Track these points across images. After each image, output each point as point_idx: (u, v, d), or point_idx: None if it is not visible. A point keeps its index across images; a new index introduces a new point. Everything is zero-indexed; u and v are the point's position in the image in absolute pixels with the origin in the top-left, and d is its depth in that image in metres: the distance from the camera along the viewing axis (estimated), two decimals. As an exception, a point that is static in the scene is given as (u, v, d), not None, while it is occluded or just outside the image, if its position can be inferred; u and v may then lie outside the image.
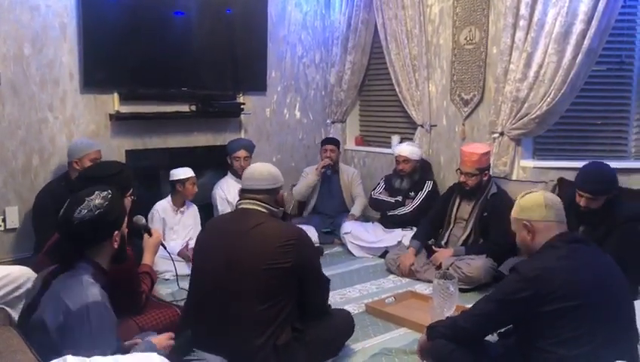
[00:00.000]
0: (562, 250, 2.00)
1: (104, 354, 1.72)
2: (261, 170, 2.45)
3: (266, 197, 2.40)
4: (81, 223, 1.82)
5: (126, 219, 2.04)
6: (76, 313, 1.71)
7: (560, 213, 2.10)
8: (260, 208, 2.37)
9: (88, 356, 1.49)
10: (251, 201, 2.39)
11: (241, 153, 4.45)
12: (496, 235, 3.67)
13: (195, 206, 4.23)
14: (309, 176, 4.88)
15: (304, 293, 2.36)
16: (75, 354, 1.53)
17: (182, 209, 4.10)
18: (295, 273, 2.27)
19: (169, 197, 4.10)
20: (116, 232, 1.92)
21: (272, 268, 2.23)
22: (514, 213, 2.17)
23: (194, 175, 4.08)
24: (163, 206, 4.06)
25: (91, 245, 1.89)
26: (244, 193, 2.44)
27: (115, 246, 1.93)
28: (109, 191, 1.95)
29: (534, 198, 2.11)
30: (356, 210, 4.85)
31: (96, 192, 1.91)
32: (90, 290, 1.76)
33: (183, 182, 4.03)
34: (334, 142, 4.97)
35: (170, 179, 4.07)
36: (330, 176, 4.90)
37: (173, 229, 4.05)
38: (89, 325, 1.71)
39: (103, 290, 1.82)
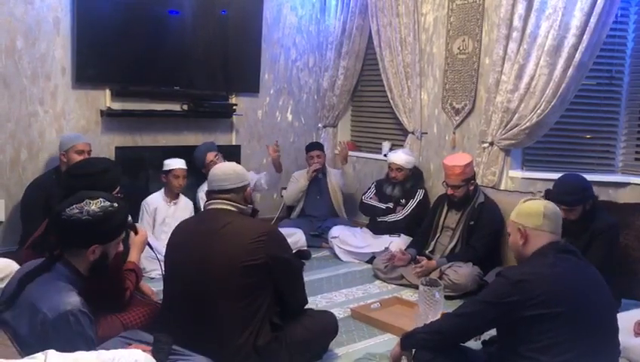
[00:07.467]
0: (550, 258, 2.03)
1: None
2: (225, 170, 2.45)
3: (233, 196, 2.40)
4: (67, 221, 1.80)
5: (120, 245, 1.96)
6: (54, 321, 1.67)
7: (556, 225, 2.12)
8: (228, 207, 2.38)
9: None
10: (219, 201, 2.39)
11: (211, 155, 4.34)
12: (475, 240, 3.71)
13: (188, 200, 4.24)
14: (300, 180, 4.88)
15: (280, 288, 2.37)
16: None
17: (175, 201, 4.11)
18: (268, 268, 2.28)
19: (163, 190, 4.12)
20: (95, 246, 1.85)
21: (245, 266, 2.23)
22: (512, 215, 2.19)
23: (180, 167, 4.05)
24: (155, 198, 4.08)
25: (68, 246, 1.85)
26: (211, 194, 2.44)
27: (91, 258, 1.87)
28: (115, 204, 1.89)
29: (534, 206, 2.13)
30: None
31: (100, 199, 1.86)
32: (68, 297, 1.71)
33: (166, 173, 4.05)
34: (319, 146, 4.99)
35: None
36: (319, 180, 4.91)
37: (165, 222, 4.04)
38: (69, 332, 1.68)
39: (81, 296, 1.77)
